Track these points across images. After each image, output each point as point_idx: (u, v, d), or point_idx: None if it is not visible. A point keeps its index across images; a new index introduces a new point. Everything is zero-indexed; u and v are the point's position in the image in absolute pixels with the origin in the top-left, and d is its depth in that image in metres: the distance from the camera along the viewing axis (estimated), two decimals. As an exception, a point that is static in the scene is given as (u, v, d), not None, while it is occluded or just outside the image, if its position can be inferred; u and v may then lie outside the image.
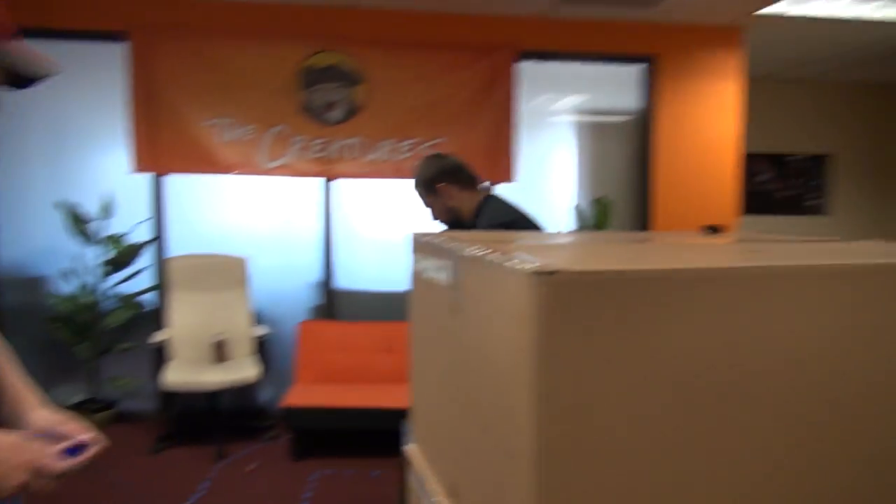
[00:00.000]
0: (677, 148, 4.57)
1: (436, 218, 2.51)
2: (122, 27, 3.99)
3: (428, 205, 2.49)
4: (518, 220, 2.37)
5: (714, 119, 4.59)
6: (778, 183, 6.56)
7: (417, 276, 1.20)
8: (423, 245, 1.17)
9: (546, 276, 0.66)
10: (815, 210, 6.60)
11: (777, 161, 6.51)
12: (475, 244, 0.91)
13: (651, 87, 4.55)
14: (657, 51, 4.50)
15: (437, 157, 2.55)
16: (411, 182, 2.49)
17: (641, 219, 4.66)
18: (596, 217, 4.49)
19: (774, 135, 6.36)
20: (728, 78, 4.57)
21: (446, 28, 4.28)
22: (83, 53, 4.12)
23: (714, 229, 1.42)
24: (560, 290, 0.66)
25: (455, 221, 2.46)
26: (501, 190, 4.43)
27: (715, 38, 4.53)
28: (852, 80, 6.32)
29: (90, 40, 4.09)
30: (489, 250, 0.82)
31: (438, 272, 1.05)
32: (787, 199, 6.59)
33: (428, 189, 2.44)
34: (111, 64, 4.07)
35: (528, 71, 4.40)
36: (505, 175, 4.34)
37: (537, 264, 0.67)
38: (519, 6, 4.14)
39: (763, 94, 5.84)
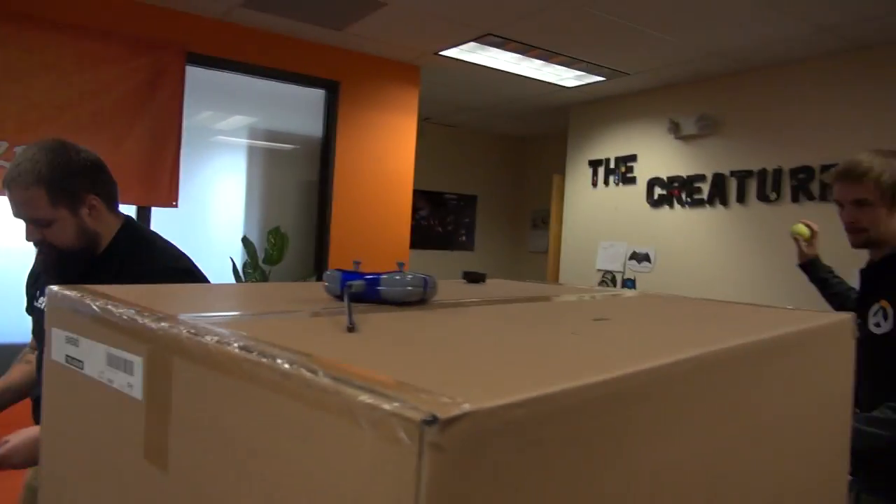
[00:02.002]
0: (355, 179, 4.38)
1: (45, 244, 1.47)
2: None
3: (42, 221, 1.43)
4: (192, 268, 1.58)
5: (392, 153, 4.52)
6: (434, 219, 6.93)
7: (59, 368, 0.66)
8: (71, 309, 0.65)
9: (450, 426, 0.30)
10: (465, 246, 7.13)
11: (434, 199, 6.87)
12: (189, 320, 0.47)
13: (331, 113, 4.30)
14: (340, 77, 4.27)
15: (70, 146, 1.47)
16: (13, 177, 1.39)
17: (317, 251, 4.36)
18: (270, 250, 4.05)
19: (434, 174, 6.70)
20: (406, 113, 4.56)
21: (96, 10, 3.43)
22: None
23: (475, 277, 1.14)
24: (472, 446, 0.32)
25: (70, 256, 1.48)
26: (162, 218, 3.72)
27: (397, 73, 4.48)
28: (498, 131, 7.03)
29: None
30: (241, 341, 0.44)
31: (113, 370, 0.55)
32: (443, 235, 6.99)
33: (61, 195, 1.42)
34: None
35: (195, 79, 3.77)
36: (167, 198, 3.61)
37: (419, 401, 0.32)
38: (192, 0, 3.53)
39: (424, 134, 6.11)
